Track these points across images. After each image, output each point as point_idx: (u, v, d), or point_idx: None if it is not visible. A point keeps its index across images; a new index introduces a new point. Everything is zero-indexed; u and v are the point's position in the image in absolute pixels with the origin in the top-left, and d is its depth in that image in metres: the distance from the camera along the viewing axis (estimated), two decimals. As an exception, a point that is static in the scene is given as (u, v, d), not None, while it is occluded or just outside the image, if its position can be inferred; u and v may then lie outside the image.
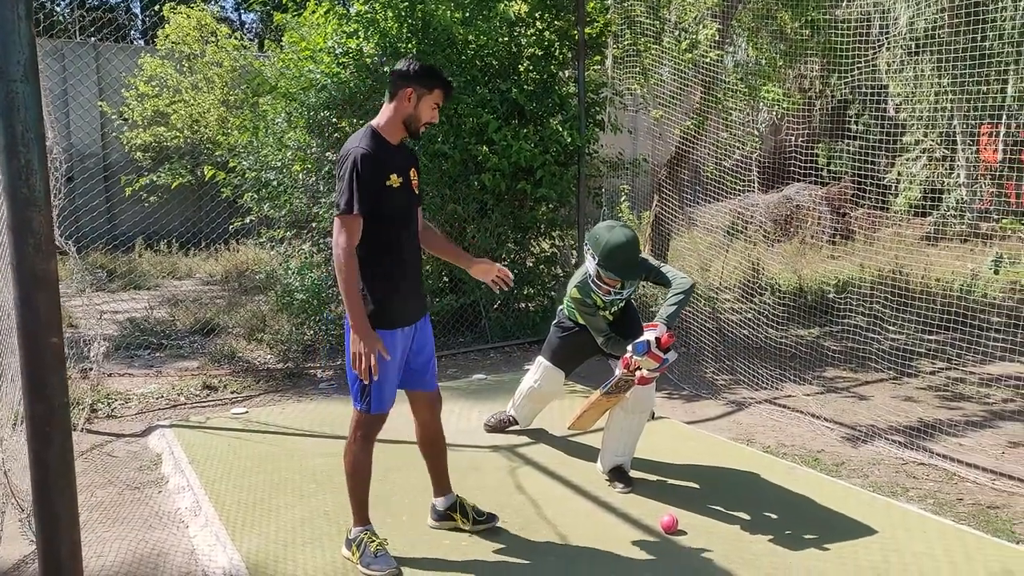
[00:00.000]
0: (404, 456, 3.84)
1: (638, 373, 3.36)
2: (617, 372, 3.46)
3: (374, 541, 2.91)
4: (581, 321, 3.81)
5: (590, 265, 3.53)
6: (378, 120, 2.89)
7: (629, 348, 3.34)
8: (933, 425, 4.48)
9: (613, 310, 3.74)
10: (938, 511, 3.46)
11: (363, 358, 2.73)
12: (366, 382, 2.80)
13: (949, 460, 4.02)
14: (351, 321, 2.76)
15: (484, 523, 3.19)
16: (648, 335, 3.31)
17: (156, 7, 14.09)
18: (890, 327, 6.21)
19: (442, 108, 2.99)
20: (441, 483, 3.20)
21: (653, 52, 6.44)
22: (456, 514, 3.18)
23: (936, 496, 3.65)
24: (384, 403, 2.90)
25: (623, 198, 9.15)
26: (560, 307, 4.06)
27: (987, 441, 4.36)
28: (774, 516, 3.35)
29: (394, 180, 2.81)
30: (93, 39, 13.57)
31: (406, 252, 2.92)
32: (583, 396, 3.81)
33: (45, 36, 10.54)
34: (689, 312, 6.43)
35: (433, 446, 3.15)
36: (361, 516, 2.98)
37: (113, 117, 12.56)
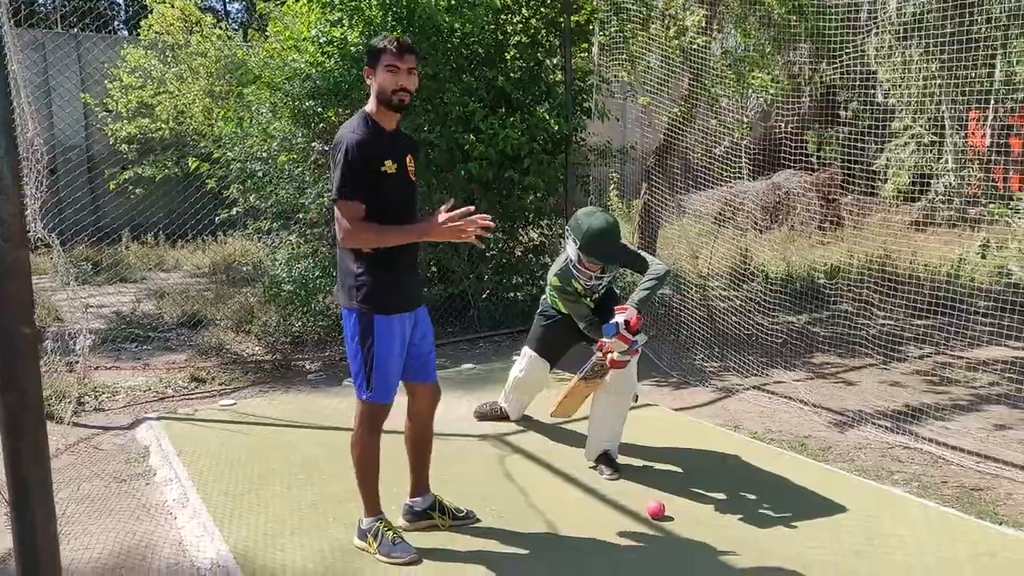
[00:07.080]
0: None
1: (609, 356, 3.40)
2: (594, 356, 3.49)
3: (390, 530, 2.91)
4: (564, 309, 3.82)
5: (571, 250, 3.54)
6: (369, 106, 2.87)
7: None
8: (919, 409, 4.50)
9: (595, 296, 3.75)
10: (923, 494, 3.48)
11: (457, 230, 2.71)
12: (468, 233, 2.71)
13: (935, 443, 4.05)
14: (415, 236, 2.80)
15: (463, 521, 3.15)
16: (618, 317, 3.36)
17: (139, -4, 13.94)
18: (878, 313, 6.23)
19: (414, 71, 2.79)
20: (421, 482, 3.15)
21: (640, 39, 6.41)
22: (435, 512, 3.12)
23: (921, 479, 3.68)
24: (389, 392, 2.88)
25: (612, 186, 9.13)
26: (544, 296, 4.06)
27: (973, 424, 4.38)
28: (761, 501, 3.36)
29: (389, 166, 2.78)
30: (75, 29, 13.43)
31: None
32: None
33: (25, 26, 10.39)
34: (678, 300, 6.43)
35: (425, 443, 3.12)
36: (372, 506, 2.96)
37: (96, 109, 12.42)
